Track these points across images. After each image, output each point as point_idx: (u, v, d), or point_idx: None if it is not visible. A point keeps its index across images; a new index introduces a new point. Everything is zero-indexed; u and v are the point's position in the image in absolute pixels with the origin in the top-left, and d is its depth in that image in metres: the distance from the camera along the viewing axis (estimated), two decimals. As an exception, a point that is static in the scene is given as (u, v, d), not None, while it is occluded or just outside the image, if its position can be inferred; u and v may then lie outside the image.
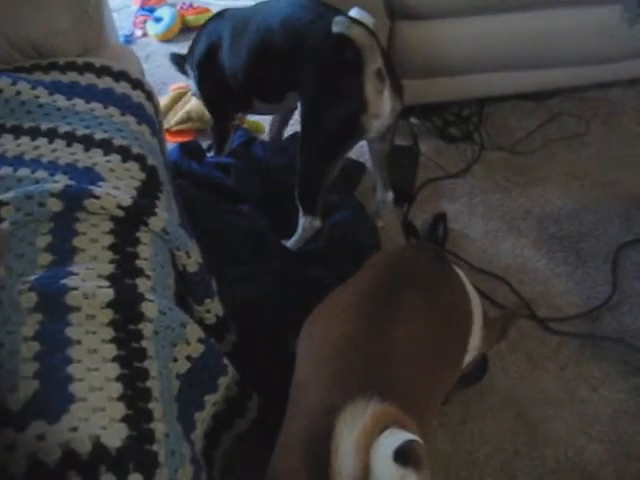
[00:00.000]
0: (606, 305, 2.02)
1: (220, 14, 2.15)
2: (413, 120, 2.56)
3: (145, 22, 3.12)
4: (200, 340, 1.30)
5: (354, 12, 1.75)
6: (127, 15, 3.21)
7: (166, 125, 2.54)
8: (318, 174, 1.87)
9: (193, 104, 2.60)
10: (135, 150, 1.54)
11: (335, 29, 1.67)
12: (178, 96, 2.68)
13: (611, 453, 1.70)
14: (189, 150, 2.31)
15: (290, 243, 2.03)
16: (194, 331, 1.29)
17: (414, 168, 2.38)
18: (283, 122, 2.40)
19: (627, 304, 2.03)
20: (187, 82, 2.74)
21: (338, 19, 1.68)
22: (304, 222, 1.97)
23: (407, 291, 1.29)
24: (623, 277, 2.10)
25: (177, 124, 2.55)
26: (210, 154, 2.38)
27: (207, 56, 2.10)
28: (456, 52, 2.35)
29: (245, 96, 2.09)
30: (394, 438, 1.00)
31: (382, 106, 1.76)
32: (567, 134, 2.58)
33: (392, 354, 1.18)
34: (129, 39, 3.09)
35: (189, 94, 2.65)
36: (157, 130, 1.73)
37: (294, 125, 2.36)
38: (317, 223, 1.97)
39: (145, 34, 3.12)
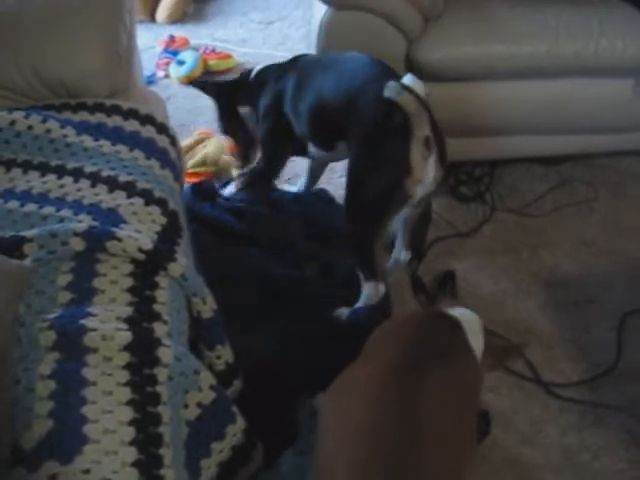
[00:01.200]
0: (609, 373, 2.03)
1: (290, 63, 2.21)
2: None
3: (168, 64, 3.18)
4: (212, 387, 1.31)
5: (407, 79, 1.79)
6: (150, 56, 3.26)
7: (182, 166, 2.59)
8: (368, 239, 1.89)
9: (210, 149, 2.65)
10: (157, 194, 1.57)
11: (386, 94, 1.72)
12: (200, 140, 2.73)
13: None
14: (201, 191, 2.35)
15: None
16: (207, 378, 1.31)
17: (425, 225, 2.41)
18: (317, 173, 2.46)
19: (631, 373, 2.04)
20: (211, 126, 2.82)
21: (390, 84, 1.72)
22: (368, 289, 1.95)
23: (431, 365, 1.28)
24: (627, 345, 2.11)
25: (193, 167, 2.59)
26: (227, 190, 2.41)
27: (273, 103, 2.16)
28: (473, 115, 2.40)
29: (302, 143, 2.15)
30: None
31: (426, 173, 1.79)
32: (576, 200, 2.62)
33: (423, 436, 1.16)
34: (151, 80, 3.14)
35: (209, 139, 2.70)
36: (179, 175, 1.76)
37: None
38: (382, 288, 1.96)
39: (167, 76, 3.18)
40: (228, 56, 3.24)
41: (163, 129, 1.79)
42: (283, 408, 1.73)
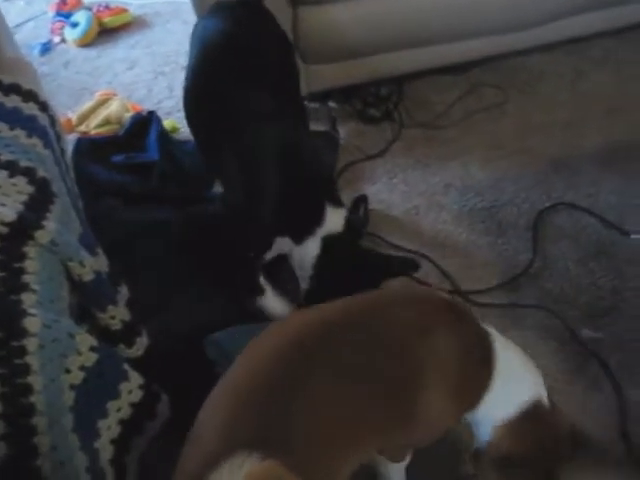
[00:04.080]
0: (527, 272, 2.04)
1: None
2: (331, 104, 2.56)
3: (62, 28, 3.08)
4: (92, 348, 1.30)
5: None
6: (44, 22, 3.17)
7: (85, 128, 2.53)
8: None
9: (113, 108, 2.59)
10: (23, 163, 1.52)
11: None
12: (102, 101, 2.66)
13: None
14: (89, 152, 2.30)
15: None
16: (85, 340, 1.29)
17: (334, 153, 2.38)
18: None
19: (547, 269, 2.05)
20: (112, 88, 2.75)
21: None
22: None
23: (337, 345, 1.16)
24: (543, 243, 2.12)
25: (96, 127, 2.53)
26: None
27: None
28: (364, 33, 2.34)
29: None
30: None
31: None
32: (486, 105, 2.60)
33: (296, 410, 1.07)
34: (47, 47, 3.05)
35: (112, 99, 2.64)
36: (51, 141, 1.71)
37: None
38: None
39: (63, 40, 3.08)
40: (123, 10, 3.16)
41: (30, 96, 1.73)
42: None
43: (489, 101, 2.61)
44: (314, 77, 2.39)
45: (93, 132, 2.53)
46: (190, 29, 3.01)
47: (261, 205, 1.74)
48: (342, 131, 2.48)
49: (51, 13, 3.16)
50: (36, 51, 2.98)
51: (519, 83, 2.68)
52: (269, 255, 1.82)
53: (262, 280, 1.83)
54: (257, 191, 1.73)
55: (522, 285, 2.02)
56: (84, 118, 2.59)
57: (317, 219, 1.74)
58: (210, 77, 1.84)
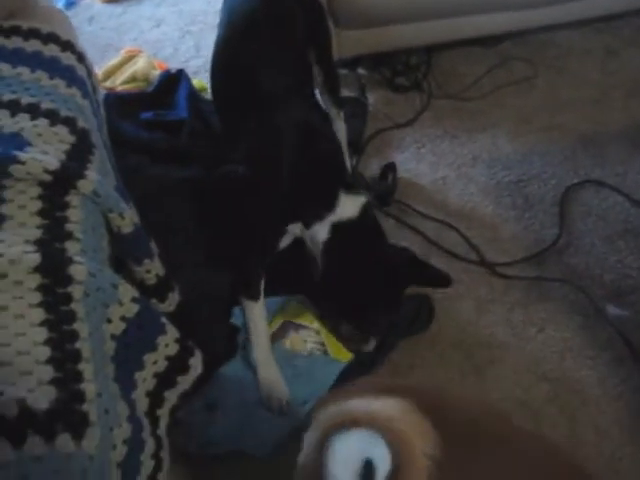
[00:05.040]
0: (553, 247, 2.05)
1: None
2: (361, 71, 2.54)
3: (88, -17, 3.04)
4: (134, 300, 1.30)
5: None
6: (69, -24, 3.12)
7: (111, 84, 2.51)
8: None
9: (140, 65, 2.56)
10: (64, 113, 1.51)
11: None
12: (128, 58, 2.63)
13: (556, 390, 1.75)
14: (119, 107, 2.28)
15: None
16: (127, 291, 1.29)
17: (363, 119, 2.37)
18: None
19: (573, 245, 2.06)
20: (138, 45, 2.72)
21: None
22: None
23: None
24: (570, 219, 2.13)
25: (122, 83, 2.51)
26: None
27: None
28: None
29: None
30: None
31: None
32: (515, 78, 2.58)
33: None
34: (72, 1, 3.01)
35: (139, 56, 2.61)
36: (89, 92, 1.69)
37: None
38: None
39: (89, -5, 3.05)
40: (150, -32, 3.10)
41: (68, 46, 1.71)
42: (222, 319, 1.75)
43: (518, 75, 2.59)
44: (345, 43, 2.37)
45: (119, 88, 2.50)
46: (218, -11, 3.01)
47: (276, 182, 1.70)
48: (371, 98, 2.46)
49: (77, -33, 3.12)
50: (60, 5, 2.95)
51: (549, 58, 2.66)
52: (283, 242, 1.76)
53: (261, 285, 1.73)
54: (273, 168, 1.70)
55: (547, 260, 2.03)
56: (110, 74, 2.57)
57: (327, 204, 1.67)
58: (237, 49, 1.81)
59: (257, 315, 1.69)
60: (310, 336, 1.77)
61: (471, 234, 2.09)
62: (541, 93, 2.53)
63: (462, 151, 2.32)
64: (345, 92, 2.41)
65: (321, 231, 1.68)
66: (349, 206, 1.67)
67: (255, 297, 1.69)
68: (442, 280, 1.71)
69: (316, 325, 1.76)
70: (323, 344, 1.77)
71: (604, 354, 1.82)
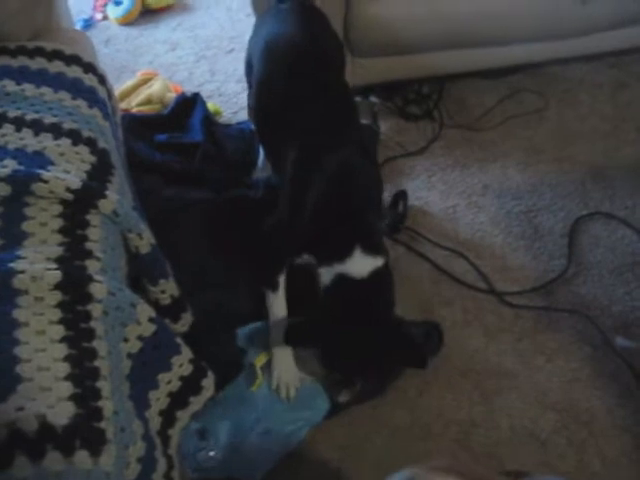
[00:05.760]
0: (562, 278, 2.06)
1: None
2: (373, 99, 2.57)
3: (105, 5, 3.09)
4: (151, 320, 1.32)
5: None
6: (87, -1, 3.18)
7: (126, 105, 2.54)
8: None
9: (155, 88, 2.60)
10: (85, 133, 1.54)
11: None
12: (144, 80, 2.67)
13: (564, 420, 1.75)
14: (135, 128, 2.31)
15: None
16: (144, 311, 1.31)
17: (374, 146, 2.40)
18: None
19: (582, 276, 2.07)
20: (154, 68, 2.76)
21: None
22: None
23: None
24: (579, 250, 2.14)
25: (137, 105, 2.54)
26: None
27: None
28: (413, 30, 2.35)
29: None
30: None
31: None
32: (526, 110, 2.61)
33: None
34: (89, 23, 3.06)
35: (154, 79, 2.65)
36: (109, 114, 1.73)
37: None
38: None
39: (105, 17, 3.09)
40: (166, -8, 3.16)
41: (90, 68, 1.75)
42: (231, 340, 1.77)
43: (529, 106, 2.62)
44: (359, 71, 2.40)
45: (134, 110, 2.54)
46: (233, 16, 3.09)
47: (297, 218, 1.68)
48: (383, 126, 2.49)
49: (95, -10, 3.17)
50: (78, 26, 2.99)
51: (559, 91, 2.69)
52: (298, 261, 1.77)
53: (281, 278, 1.74)
54: (298, 206, 1.68)
55: (556, 290, 2.04)
56: (125, 95, 2.60)
57: (338, 254, 1.62)
58: (279, 90, 1.80)
59: (275, 304, 1.73)
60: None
61: (480, 263, 2.10)
62: (551, 125, 2.56)
63: (472, 180, 2.35)
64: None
65: (326, 276, 1.64)
66: (361, 265, 1.61)
67: (274, 288, 1.73)
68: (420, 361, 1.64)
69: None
70: None
71: (612, 385, 1.82)
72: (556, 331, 1.94)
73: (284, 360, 1.72)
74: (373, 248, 1.64)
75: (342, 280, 1.62)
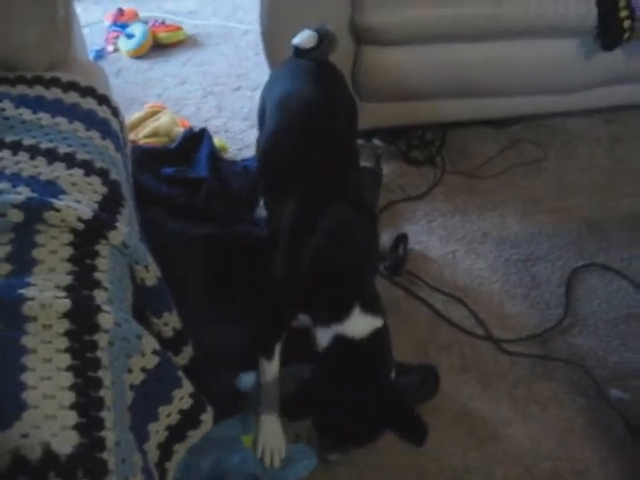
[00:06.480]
0: (558, 327, 2.09)
1: None
2: (377, 142, 2.62)
3: (117, 38, 3.15)
4: (155, 352, 1.33)
5: None
6: (99, 31, 3.23)
7: (134, 137, 2.57)
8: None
9: (163, 121, 2.64)
10: (98, 164, 1.57)
11: None
12: (151, 112, 2.71)
13: (559, 470, 1.76)
14: (142, 160, 2.35)
15: None
16: (149, 343, 1.32)
17: (377, 189, 2.43)
18: None
19: (578, 326, 2.10)
20: (162, 101, 2.80)
21: None
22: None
23: None
24: (575, 300, 2.17)
25: (145, 137, 2.58)
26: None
27: None
28: (419, 78, 2.41)
29: None
30: None
31: None
32: (525, 160, 2.66)
33: None
34: (100, 54, 3.11)
35: (162, 112, 2.69)
36: (121, 145, 1.75)
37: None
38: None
39: (116, 50, 3.15)
40: (178, 28, 3.22)
41: (104, 100, 1.78)
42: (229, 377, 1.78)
43: (528, 157, 2.67)
44: (365, 115, 2.43)
45: (141, 142, 2.57)
46: (241, 54, 3.15)
47: (294, 275, 1.64)
48: (386, 169, 2.53)
49: (107, 23, 3.22)
50: (90, 57, 3.04)
51: (558, 143, 2.75)
52: (295, 323, 1.71)
53: (277, 346, 1.70)
54: (295, 263, 1.64)
55: (552, 339, 2.06)
56: (133, 127, 2.63)
57: (337, 314, 1.56)
58: (289, 145, 1.80)
59: (268, 372, 1.70)
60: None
61: (478, 309, 2.12)
62: (550, 176, 2.61)
63: (472, 227, 2.38)
64: (360, 162, 2.48)
65: (323, 337, 1.58)
66: (360, 325, 1.55)
67: (269, 357, 1.70)
68: (417, 437, 1.54)
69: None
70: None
71: (606, 437, 1.83)
72: (551, 380, 1.96)
73: (270, 426, 1.70)
74: (372, 307, 1.59)
75: (341, 341, 1.54)
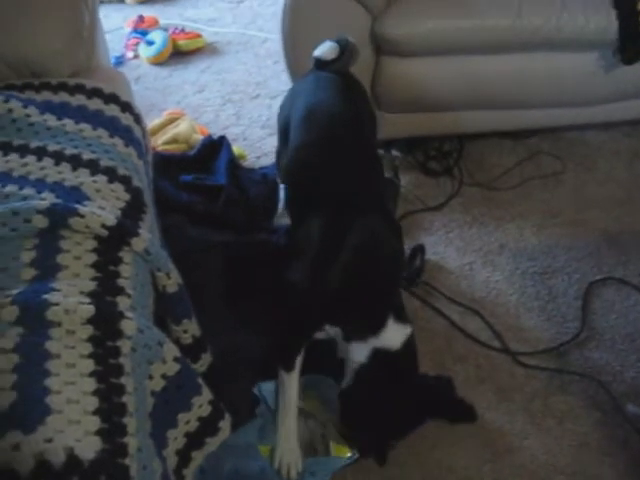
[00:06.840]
0: (574, 341, 2.08)
1: None
2: (395, 153, 2.62)
3: (137, 45, 3.18)
4: (176, 359, 1.33)
5: None
6: (119, 37, 3.26)
7: (153, 143, 2.59)
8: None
9: (182, 128, 2.65)
10: (121, 171, 1.58)
11: None
12: (170, 119, 2.73)
13: (574, 485, 1.75)
14: (161, 167, 2.36)
15: None
16: (170, 350, 1.33)
17: (394, 200, 2.44)
18: None
19: (594, 340, 2.09)
20: (181, 108, 2.82)
21: None
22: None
23: None
24: (592, 314, 2.16)
25: (163, 144, 2.60)
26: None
27: None
28: (438, 89, 2.42)
29: None
30: None
31: None
32: (544, 172, 2.66)
33: None
34: (120, 60, 3.14)
35: (181, 119, 2.71)
36: (144, 153, 1.77)
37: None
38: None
39: (136, 56, 3.17)
40: (197, 35, 3.24)
41: (127, 107, 1.79)
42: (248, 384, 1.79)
43: (547, 169, 2.67)
44: (384, 125, 2.45)
45: (160, 148, 2.59)
46: (260, 62, 3.16)
47: (320, 287, 1.64)
48: (403, 180, 2.53)
49: (127, 29, 3.25)
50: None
51: (577, 156, 2.74)
52: (319, 335, 1.74)
53: (298, 359, 1.71)
54: (323, 274, 1.63)
55: (568, 352, 2.06)
56: (152, 134, 2.65)
57: (373, 327, 1.60)
58: (316, 158, 1.80)
59: (288, 385, 1.71)
60: (316, 427, 1.81)
61: (495, 321, 2.12)
62: (568, 189, 2.60)
63: (489, 239, 2.38)
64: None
65: (360, 352, 1.62)
66: (395, 335, 1.61)
67: (289, 369, 1.71)
68: (468, 414, 1.72)
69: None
70: (324, 436, 1.80)
71: (622, 452, 1.82)
72: (567, 394, 1.95)
73: (288, 440, 1.71)
74: (402, 316, 1.64)
75: (379, 354, 1.59)
